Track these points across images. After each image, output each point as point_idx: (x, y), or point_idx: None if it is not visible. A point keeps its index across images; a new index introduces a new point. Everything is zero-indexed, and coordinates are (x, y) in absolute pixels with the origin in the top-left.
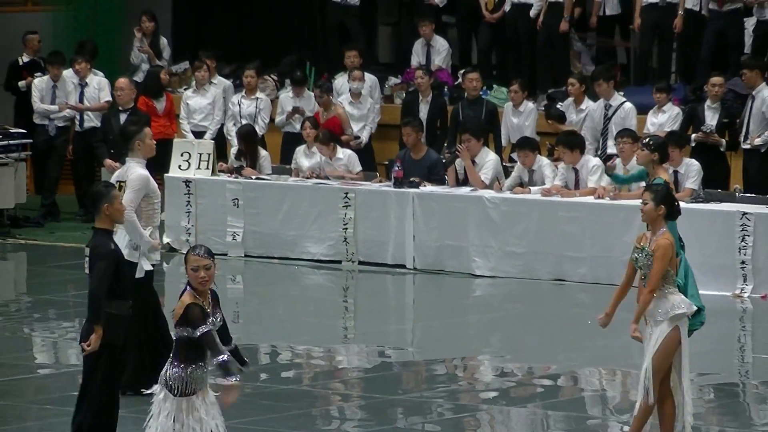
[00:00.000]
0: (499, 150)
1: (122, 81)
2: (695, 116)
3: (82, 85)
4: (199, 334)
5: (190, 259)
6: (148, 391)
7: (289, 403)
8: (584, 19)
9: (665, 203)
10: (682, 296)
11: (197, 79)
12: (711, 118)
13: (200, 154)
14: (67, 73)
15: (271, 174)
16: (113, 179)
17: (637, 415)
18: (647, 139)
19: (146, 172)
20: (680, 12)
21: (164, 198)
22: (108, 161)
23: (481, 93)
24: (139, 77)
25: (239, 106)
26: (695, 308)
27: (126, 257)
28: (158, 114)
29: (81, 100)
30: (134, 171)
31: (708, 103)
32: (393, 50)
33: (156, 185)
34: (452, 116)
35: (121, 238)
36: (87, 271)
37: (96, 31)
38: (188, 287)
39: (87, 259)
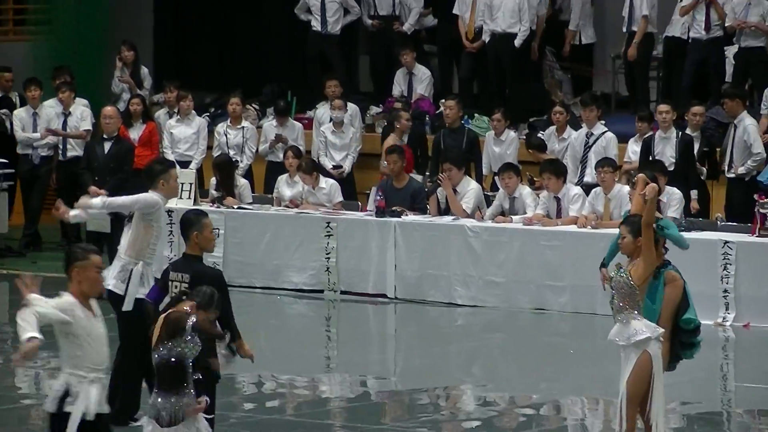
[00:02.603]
0: (479, 179)
1: (110, 109)
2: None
3: (65, 114)
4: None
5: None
6: (138, 423)
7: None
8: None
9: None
10: (646, 321)
11: (181, 108)
12: (663, 147)
13: (182, 184)
14: (49, 102)
15: (252, 203)
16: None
17: None
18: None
19: (161, 201)
20: (635, 41)
21: None
22: (93, 188)
23: (462, 122)
24: (120, 106)
25: (225, 136)
26: (661, 330)
27: (111, 288)
28: (132, 143)
29: (64, 129)
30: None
31: (660, 132)
32: (374, 79)
33: (162, 221)
34: (434, 145)
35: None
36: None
37: (77, 60)
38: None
39: (182, 285)
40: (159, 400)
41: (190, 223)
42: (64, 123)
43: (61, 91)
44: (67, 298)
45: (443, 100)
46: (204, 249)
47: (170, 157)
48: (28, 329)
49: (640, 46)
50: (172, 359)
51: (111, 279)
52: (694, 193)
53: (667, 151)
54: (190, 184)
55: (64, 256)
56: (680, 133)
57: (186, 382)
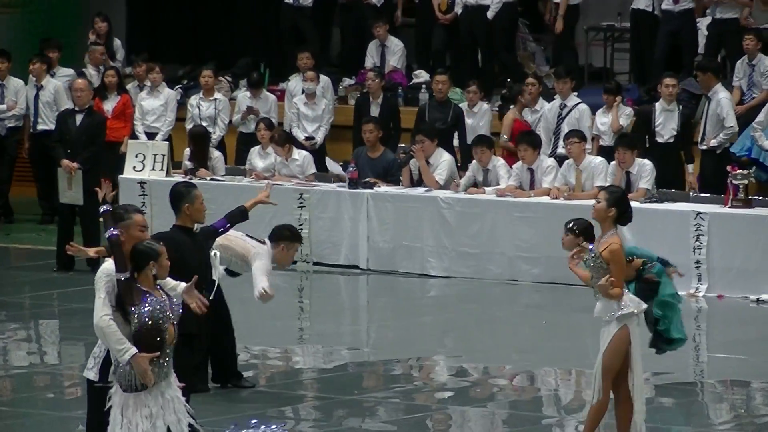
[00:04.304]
0: (464, 153)
1: (81, 82)
2: (644, 118)
3: (38, 87)
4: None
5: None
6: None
7: (245, 404)
8: (537, 19)
9: (617, 206)
10: (630, 295)
11: (151, 81)
12: (666, 119)
13: (155, 155)
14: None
15: (225, 175)
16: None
17: (588, 414)
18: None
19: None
20: (560, 13)
21: (119, 199)
22: (65, 161)
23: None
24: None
25: (198, 108)
26: (644, 306)
27: None
28: (106, 115)
29: (36, 102)
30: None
31: (663, 104)
32: (347, 51)
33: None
34: (418, 117)
35: None
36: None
37: (52, 33)
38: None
39: None
40: (127, 366)
41: (181, 195)
42: (36, 96)
43: (33, 62)
44: (106, 268)
45: (417, 72)
46: (196, 220)
47: (139, 128)
48: (126, 343)
49: (566, 19)
50: (147, 322)
51: None
52: (690, 167)
53: (669, 124)
54: (163, 155)
55: (106, 218)
56: (681, 106)
57: (159, 349)
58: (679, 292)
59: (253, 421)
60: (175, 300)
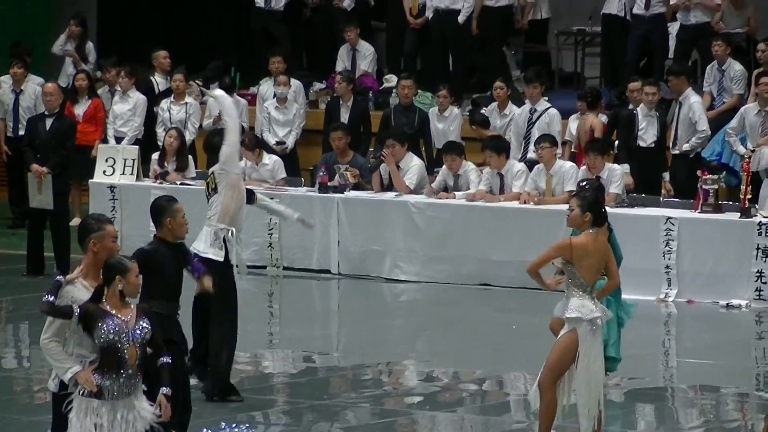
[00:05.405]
0: (430, 158)
1: (51, 86)
2: (626, 122)
3: (17, 92)
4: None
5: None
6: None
7: (214, 409)
8: (509, 24)
9: (591, 210)
10: (586, 302)
11: (121, 85)
12: (649, 124)
13: (125, 160)
14: (4, 78)
15: (195, 179)
16: None
17: (539, 416)
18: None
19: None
20: (474, 15)
21: (89, 204)
22: (34, 166)
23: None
24: (62, 81)
25: (169, 112)
26: (597, 315)
27: (211, 256)
28: (77, 119)
29: (16, 107)
30: None
31: (645, 110)
32: (319, 55)
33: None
34: (382, 121)
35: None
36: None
37: (24, 35)
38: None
39: None
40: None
41: (163, 209)
42: (16, 101)
43: (15, 66)
44: (66, 290)
45: (388, 76)
46: (177, 236)
47: (110, 133)
48: (66, 362)
49: (479, 20)
50: (103, 344)
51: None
52: (666, 175)
53: (651, 130)
54: (133, 159)
55: (78, 229)
56: (658, 113)
57: (119, 368)
58: (649, 297)
59: (223, 424)
60: (143, 323)
